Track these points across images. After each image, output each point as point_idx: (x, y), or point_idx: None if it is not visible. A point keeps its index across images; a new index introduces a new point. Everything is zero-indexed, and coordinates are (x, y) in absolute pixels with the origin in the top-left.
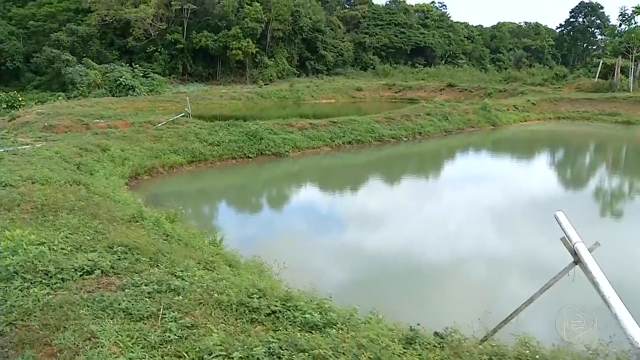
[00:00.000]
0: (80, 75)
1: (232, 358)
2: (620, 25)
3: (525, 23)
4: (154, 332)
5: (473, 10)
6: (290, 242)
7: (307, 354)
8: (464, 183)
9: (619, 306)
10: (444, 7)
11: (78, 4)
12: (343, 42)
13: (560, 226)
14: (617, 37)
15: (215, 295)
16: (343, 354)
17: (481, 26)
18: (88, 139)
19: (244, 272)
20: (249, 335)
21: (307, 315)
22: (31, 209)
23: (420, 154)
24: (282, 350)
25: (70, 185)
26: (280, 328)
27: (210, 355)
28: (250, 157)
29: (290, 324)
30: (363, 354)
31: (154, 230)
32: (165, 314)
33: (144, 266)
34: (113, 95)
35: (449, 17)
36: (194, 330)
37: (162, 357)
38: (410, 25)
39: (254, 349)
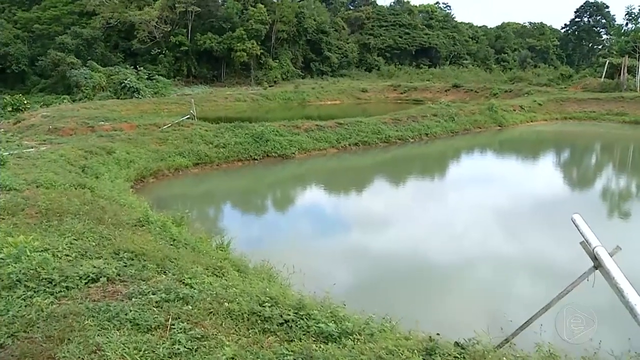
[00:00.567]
0: (85, 78)
1: None
2: (626, 24)
3: (530, 23)
4: (163, 344)
5: (477, 10)
6: (297, 245)
7: None
8: (473, 184)
9: None
10: (449, 7)
11: (82, 7)
12: (347, 43)
13: (578, 229)
14: (623, 37)
15: (226, 304)
16: None
17: (486, 27)
18: (93, 142)
19: (253, 278)
20: (262, 347)
21: (321, 325)
22: (35, 214)
23: (427, 155)
24: None
25: (75, 188)
26: (294, 339)
27: None
28: (256, 159)
29: (304, 334)
30: None
31: (161, 235)
32: (174, 325)
33: (151, 273)
34: (118, 98)
35: (454, 17)
36: (205, 342)
37: None
38: (415, 26)
39: None
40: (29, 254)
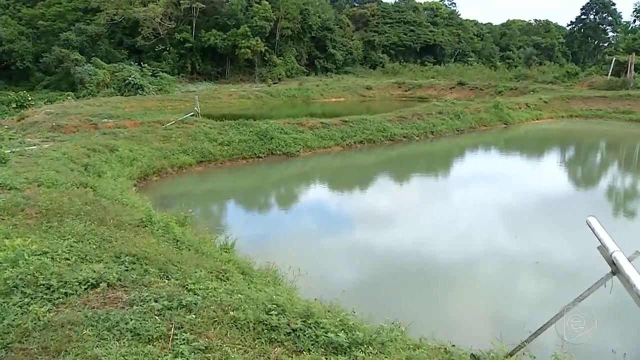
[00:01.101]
0: (89, 74)
1: None
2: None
3: (535, 20)
4: (164, 356)
5: (482, 8)
6: (302, 244)
7: None
8: (479, 183)
9: None
10: (453, 4)
11: (87, 3)
12: (352, 40)
13: (594, 233)
14: (630, 34)
15: (231, 312)
16: None
17: (490, 24)
18: (96, 139)
19: (258, 281)
20: (269, 359)
21: (330, 335)
22: (35, 214)
23: (433, 154)
24: None
25: (77, 187)
26: (303, 350)
27: None
28: (261, 157)
29: (313, 344)
30: None
31: (164, 236)
32: (176, 335)
33: (153, 278)
34: (122, 95)
35: (459, 14)
36: (209, 354)
37: None
38: (420, 23)
39: None
40: (27, 257)
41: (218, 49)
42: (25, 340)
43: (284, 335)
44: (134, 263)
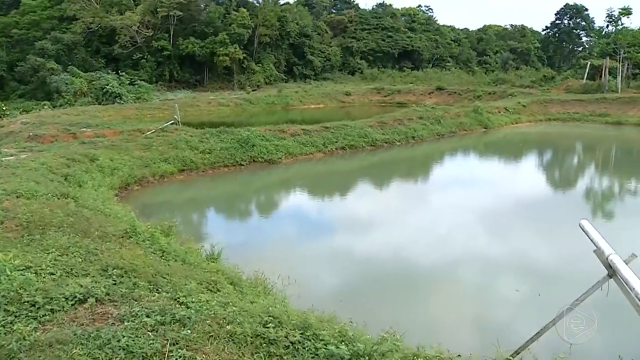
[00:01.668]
0: (66, 83)
1: None
2: (607, 26)
3: (511, 25)
4: None
5: (459, 13)
6: (287, 252)
7: None
8: (460, 187)
9: None
10: (431, 10)
11: (62, 11)
12: (330, 46)
13: (588, 236)
14: (604, 39)
15: (227, 326)
16: None
17: (467, 29)
18: (75, 149)
19: (248, 291)
20: None
21: (331, 347)
22: (16, 227)
23: (414, 158)
24: None
25: (58, 198)
26: None
27: None
28: (243, 165)
29: (313, 357)
30: None
31: (150, 247)
32: (172, 352)
33: (143, 292)
34: (99, 104)
35: (436, 20)
36: None
37: None
38: (397, 29)
39: None
40: (9, 273)
41: (196, 57)
42: None
43: (283, 348)
44: (122, 276)
